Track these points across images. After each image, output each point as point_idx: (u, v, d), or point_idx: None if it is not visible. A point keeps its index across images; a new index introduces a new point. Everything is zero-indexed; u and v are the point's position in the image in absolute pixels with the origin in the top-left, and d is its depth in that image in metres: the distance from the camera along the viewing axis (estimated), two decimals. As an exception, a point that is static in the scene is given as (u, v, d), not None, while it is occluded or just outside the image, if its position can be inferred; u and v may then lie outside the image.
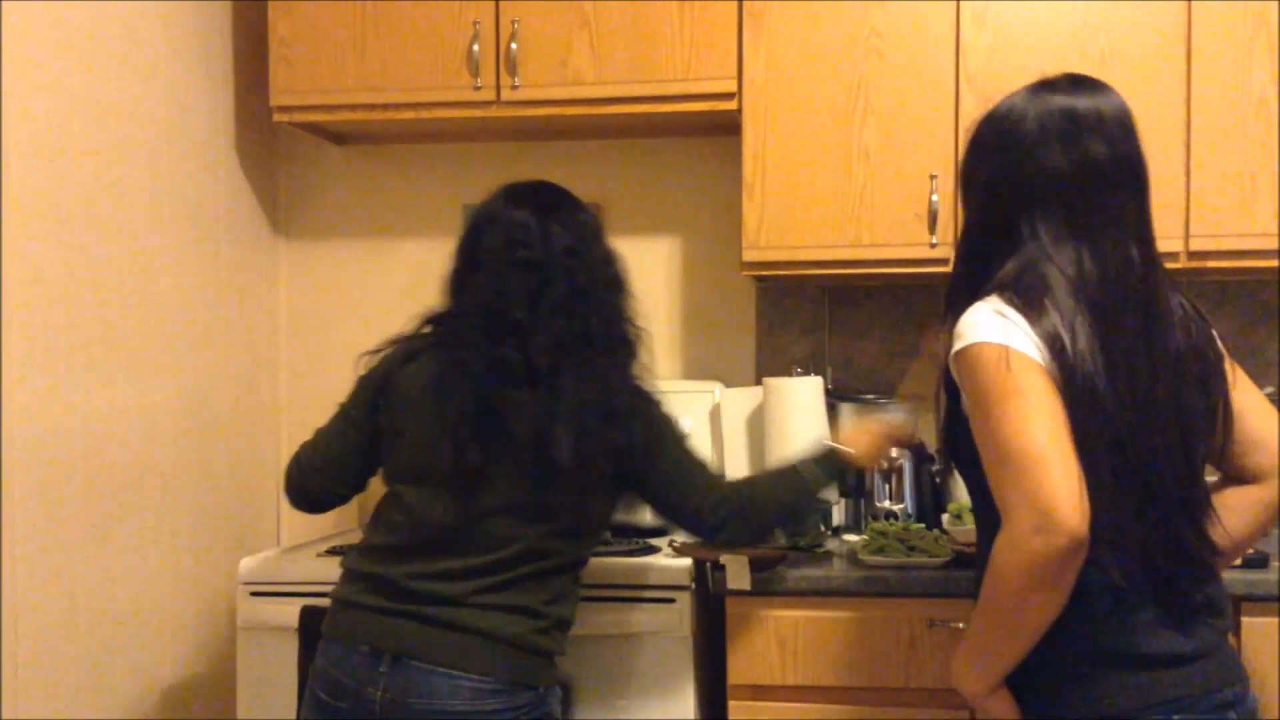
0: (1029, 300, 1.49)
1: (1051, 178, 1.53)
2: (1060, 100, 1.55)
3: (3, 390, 1.98)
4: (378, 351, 1.97)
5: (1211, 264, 2.42)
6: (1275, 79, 2.37)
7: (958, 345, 1.50)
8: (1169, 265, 2.39)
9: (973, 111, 2.43)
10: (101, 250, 2.26)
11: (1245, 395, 1.64)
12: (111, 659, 2.27)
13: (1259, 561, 2.14)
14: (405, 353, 1.94)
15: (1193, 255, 2.41)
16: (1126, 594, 1.48)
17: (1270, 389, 2.69)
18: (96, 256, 2.24)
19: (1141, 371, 1.49)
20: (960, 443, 1.59)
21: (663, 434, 1.92)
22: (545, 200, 1.95)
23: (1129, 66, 2.40)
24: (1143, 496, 1.48)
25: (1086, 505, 1.37)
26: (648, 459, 1.89)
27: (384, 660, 1.78)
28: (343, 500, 2.04)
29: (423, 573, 1.82)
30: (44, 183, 2.09)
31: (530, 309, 1.85)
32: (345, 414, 2.00)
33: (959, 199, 1.68)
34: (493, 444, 1.82)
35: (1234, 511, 1.61)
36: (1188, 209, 2.40)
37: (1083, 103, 1.55)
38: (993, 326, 1.47)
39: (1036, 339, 1.46)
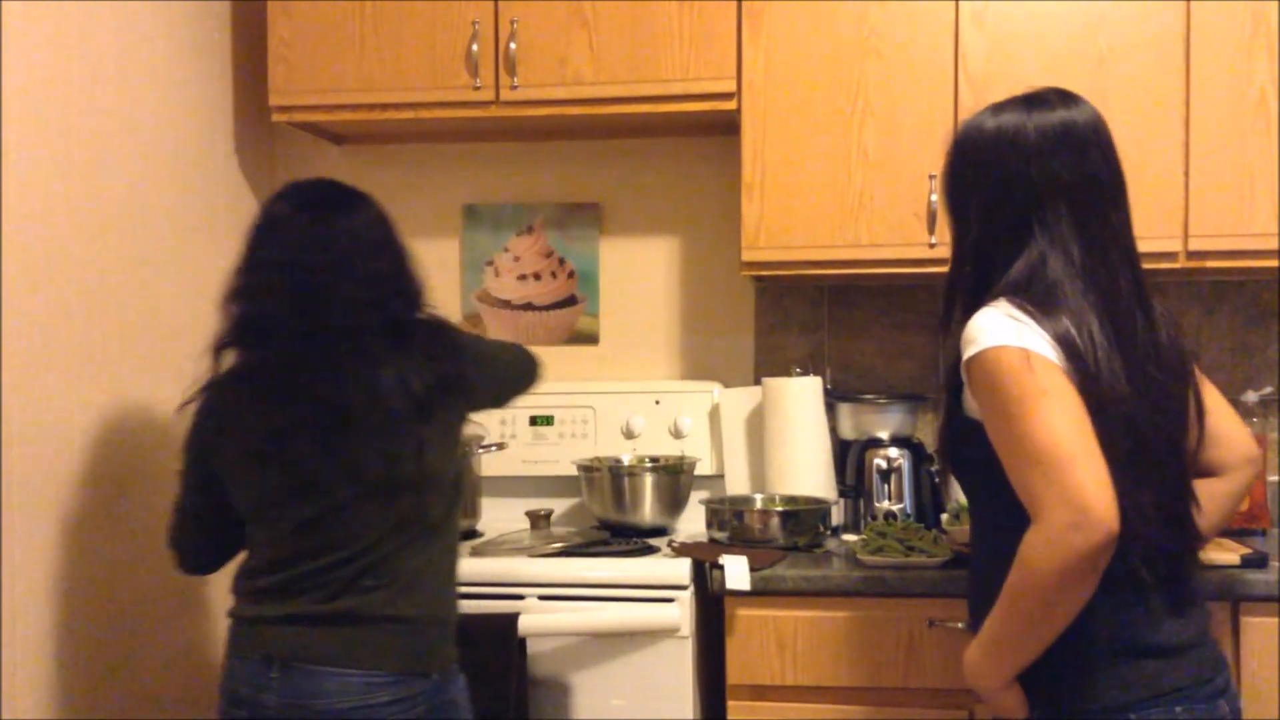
0: (1041, 303, 1.54)
1: (1058, 188, 1.58)
2: (1058, 114, 1.61)
3: (3, 390, 1.98)
4: (189, 403, 1.93)
5: (1210, 264, 2.42)
6: (1274, 78, 2.37)
7: (972, 350, 1.53)
8: (1168, 265, 2.42)
9: (972, 111, 2.43)
10: (101, 250, 2.25)
11: (1209, 393, 1.73)
12: (112, 659, 2.27)
13: (1258, 561, 2.14)
14: (204, 394, 1.92)
15: (1191, 255, 2.41)
16: (1141, 584, 1.53)
17: (1270, 389, 2.70)
18: (96, 256, 2.24)
19: (1150, 368, 1.57)
20: (962, 445, 1.63)
21: (469, 389, 1.92)
22: (309, 196, 1.91)
23: (1128, 66, 2.41)
24: (1154, 487, 1.54)
25: (1115, 499, 1.41)
26: (469, 404, 1.94)
27: (274, 666, 1.81)
28: (227, 558, 2.03)
29: (303, 573, 1.83)
30: (43, 183, 2.09)
31: (271, 308, 1.82)
32: (180, 483, 1.99)
33: (944, 206, 1.72)
34: (264, 456, 1.83)
35: (1202, 503, 1.68)
36: (1186, 208, 2.40)
37: (1077, 116, 1.61)
38: (1007, 330, 1.51)
39: (1051, 340, 1.51)
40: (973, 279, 1.64)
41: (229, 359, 1.89)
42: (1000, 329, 1.51)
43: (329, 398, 1.80)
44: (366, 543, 1.82)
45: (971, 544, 1.74)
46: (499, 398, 2.15)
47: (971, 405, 1.59)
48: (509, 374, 2.14)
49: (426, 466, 1.84)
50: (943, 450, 1.72)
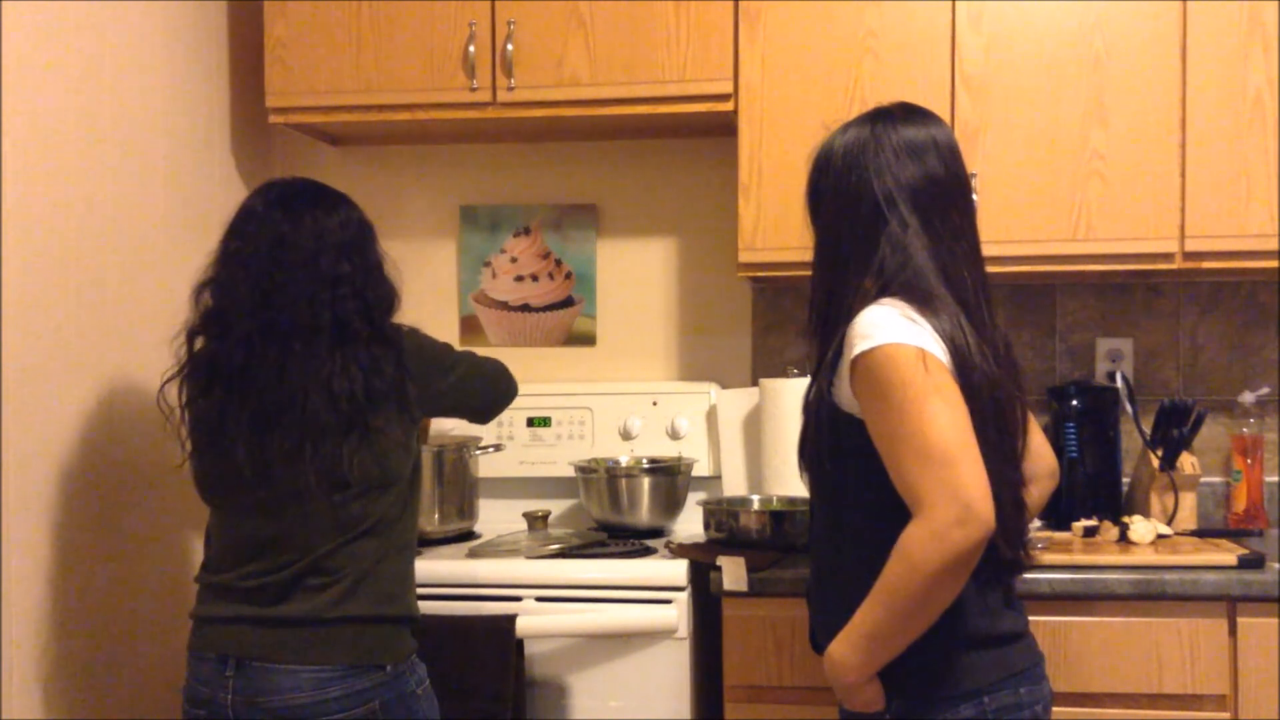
0: (923, 303, 1.60)
1: (901, 188, 1.66)
2: (900, 129, 1.70)
3: (3, 390, 1.98)
4: (169, 382, 1.95)
5: (1207, 264, 2.42)
6: (1270, 78, 2.38)
7: (865, 345, 1.56)
8: (1165, 266, 2.43)
9: (968, 111, 2.45)
10: (99, 251, 2.25)
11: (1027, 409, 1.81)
12: (111, 659, 2.27)
13: (1256, 562, 2.14)
14: (180, 370, 1.95)
15: (1188, 255, 2.41)
16: (999, 572, 1.63)
17: (1267, 389, 2.70)
18: (93, 258, 2.24)
19: (1004, 365, 1.66)
20: (835, 438, 1.67)
21: (405, 402, 1.91)
22: (284, 193, 1.93)
23: (1124, 66, 2.41)
24: (1013, 476, 1.65)
25: (992, 498, 1.48)
26: (405, 416, 1.92)
27: (229, 665, 1.83)
28: None
29: (251, 571, 1.86)
30: (41, 184, 2.09)
31: (231, 302, 1.86)
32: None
33: (808, 217, 1.80)
34: (202, 442, 1.89)
35: None
36: (1183, 209, 2.40)
37: (918, 132, 1.70)
38: (903, 328, 1.56)
39: (940, 340, 1.57)
40: (830, 281, 1.71)
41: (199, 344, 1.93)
42: (896, 326, 1.56)
43: (267, 394, 1.82)
44: (305, 540, 1.84)
45: (824, 543, 1.76)
46: (453, 410, 2.14)
47: (847, 399, 1.62)
48: (466, 394, 2.10)
49: (354, 470, 1.84)
50: (811, 443, 1.73)
